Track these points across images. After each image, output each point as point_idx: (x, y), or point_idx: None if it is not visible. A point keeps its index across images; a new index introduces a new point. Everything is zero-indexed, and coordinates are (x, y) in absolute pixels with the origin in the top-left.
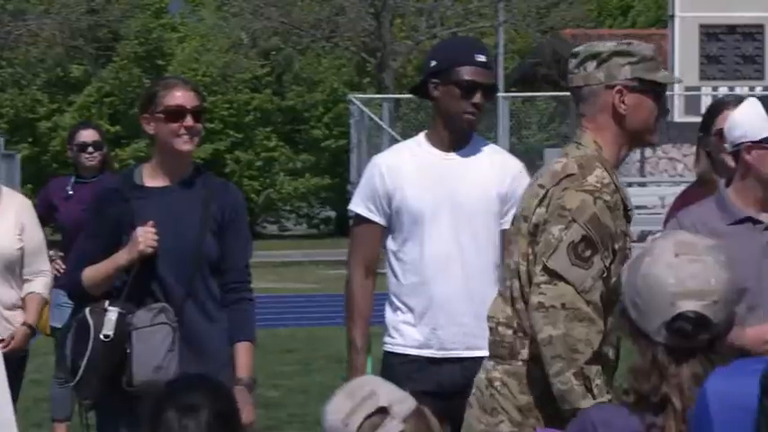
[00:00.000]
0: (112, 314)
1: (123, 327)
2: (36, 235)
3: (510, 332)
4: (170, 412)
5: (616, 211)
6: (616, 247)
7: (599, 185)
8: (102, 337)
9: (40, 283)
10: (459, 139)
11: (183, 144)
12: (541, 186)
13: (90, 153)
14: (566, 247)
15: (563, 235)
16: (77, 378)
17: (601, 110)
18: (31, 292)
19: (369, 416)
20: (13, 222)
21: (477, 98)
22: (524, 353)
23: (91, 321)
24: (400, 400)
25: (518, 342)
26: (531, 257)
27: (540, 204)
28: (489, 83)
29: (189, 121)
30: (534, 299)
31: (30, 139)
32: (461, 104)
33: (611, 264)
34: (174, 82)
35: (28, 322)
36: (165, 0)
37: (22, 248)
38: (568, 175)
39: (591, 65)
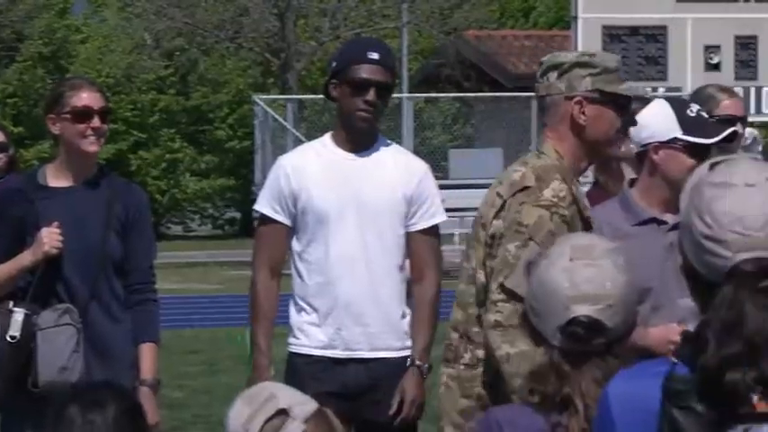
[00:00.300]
0: (18, 315)
1: (29, 327)
2: None
3: (456, 336)
4: (73, 408)
5: (575, 224)
6: None
7: (555, 200)
8: (8, 338)
9: None
10: (361, 139)
11: (90, 145)
12: (499, 195)
13: None
14: (523, 266)
15: (520, 253)
16: None
17: (561, 120)
18: None
19: (269, 419)
20: None
21: (371, 95)
22: (467, 357)
23: None
24: (300, 402)
25: (462, 346)
26: (488, 270)
27: (497, 216)
28: (382, 80)
29: (96, 122)
30: (491, 317)
31: None
32: (355, 102)
33: None
34: (81, 83)
35: None
36: (70, 0)
37: None
38: (525, 188)
39: (553, 75)
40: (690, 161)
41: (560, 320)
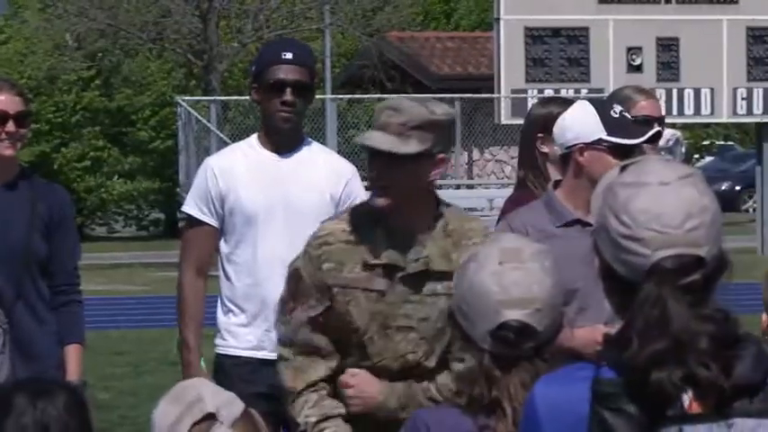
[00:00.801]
0: None
1: None
2: None
3: None
4: (20, 398)
5: (321, 263)
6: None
7: (311, 239)
8: None
9: None
10: (285, 140)
11: (5, 149)
12: None
13: None
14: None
15: None
16: None
17: None
18: None
19: (196, 422)
20: None
21: (287, 95)
22: None
23: None
24: (227, 404)
25: None
26: None
27: None
28: (299, 79)
29: (11, 126)
30: None
31: None
32: (274, 104)
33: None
34: (0, 85)
35: None
36: None
37: None
38: None
39: None
40: (615, 162)
41: (490, 325)
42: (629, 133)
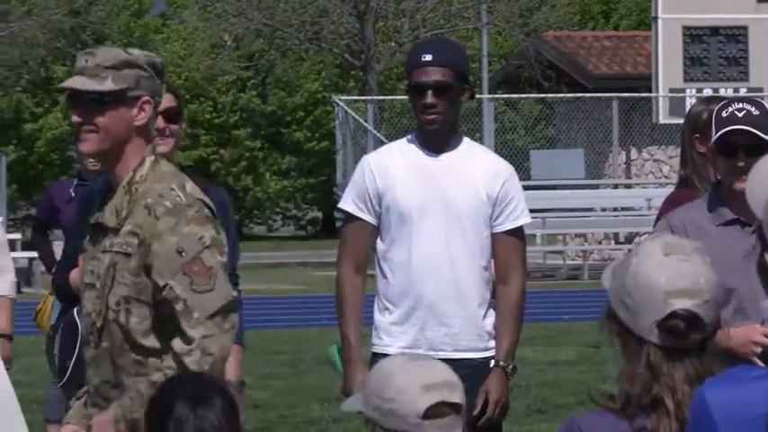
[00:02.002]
0: None
1: None
2: (2, 249)
3: None
4: (180, 405)
5: None
6: None
7: None
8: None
9: (5, 284)
10: (435, 140)
11: (157, 146)
12: None
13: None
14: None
15: None
16: (65, 378)
17: None
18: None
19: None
20: None
21: (428, 98)
22: None
23: (79, 321)
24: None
25: None
26: None
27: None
28: (438, 79)
29: (160, 122)
30: None
31: (15, 141)
32: (417, 106)
33: None
34: None
35: (5, 332)
36: (144, 1)
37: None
38: None
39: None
40: None
41: (658, 315)
42: None
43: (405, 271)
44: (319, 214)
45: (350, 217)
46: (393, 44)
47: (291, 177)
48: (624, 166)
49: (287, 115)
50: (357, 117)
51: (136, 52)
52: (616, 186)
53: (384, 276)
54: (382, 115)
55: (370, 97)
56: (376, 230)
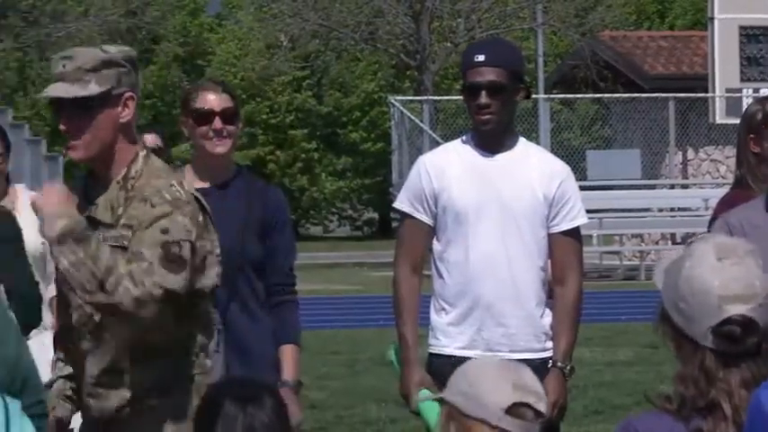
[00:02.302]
0: None
1: None
2: None
3: None
4: (229, 404)
5: None
6: None
7: None
8: None
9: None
10: (491, 140)
11: (213, 146)
12: None
13: None
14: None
15: None
16: None
17: None
18: None
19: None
20: (33, 218)
21: (482, 98)
22: None
23: None
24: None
25: None
26: None
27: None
28: (492, 79)
29: (217, 123)
30: None
31: None
32: (471, 107)
33: None
34: (207, 85)
35: None
36: (199, 0)
37: (45, 243)
38: None
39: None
40: None
41: (713, 321)
42: None
43: (461, 271)
44: (375, 215)
45: (406, 217)
46: (448, 44)
47: (347, 178)
48: (681, 166)
49: (343, 116)
50: (413, 117)
51: (112, 49)
52: (673, 187)
53: (440, 277)
54: (438, 115)
55: (425, 97)
56: (432, 231)
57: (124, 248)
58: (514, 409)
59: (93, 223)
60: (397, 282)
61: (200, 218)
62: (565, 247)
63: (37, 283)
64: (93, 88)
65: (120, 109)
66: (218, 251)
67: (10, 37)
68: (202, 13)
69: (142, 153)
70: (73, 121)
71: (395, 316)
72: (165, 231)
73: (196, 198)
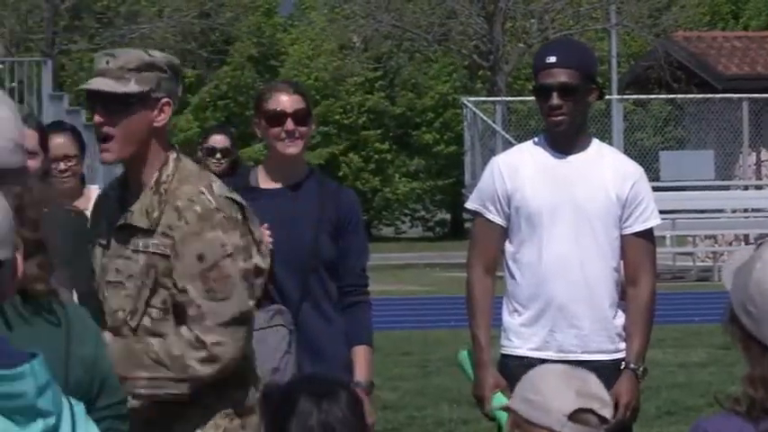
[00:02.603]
0: None
1: None
2: None
3: None
4: (304, 400)
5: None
6: None
7: None
8: None
9: None
10: (564, 141)
11: (285, 147)
12: None
13: (217, 159)
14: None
15: None
16: None
17: None
18: None
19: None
20: None
21: (554, 99)
22: None
23: None
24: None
25: None
26: None
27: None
28: (564, 81)
29: (289, 124)
30: None
31: None
32: (543, 108)
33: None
34: (279, 86)
35: None
36: (273, 1)
37: None
38: None
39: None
40: None
41: None
42: None
43: (534, 272)
44: (447, 215)
45: (478, 218)
46: (521, 45)
47: (420, 179)
48: (755, 167)
49: (416, 117)
50: (485, 118)
51: (157, 54)
52: (746, 187)
53: (513, 278)
54: (510, 116)
55: (498, 98)
56: (505, 232)
57: (165, 256)
58: (578, 416)
59: (130, 230)
60: (471, 283)
61: (238, 216)
62: (638, 248)
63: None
64: (132, 87)
65: (155, 113)
66: (266, 239)
67: (84, 38)
68: (275, 14)
69: (173, 156)
70: (108, 116)
71: (468, 317)
72: (200, 258)
73: (230, 198)
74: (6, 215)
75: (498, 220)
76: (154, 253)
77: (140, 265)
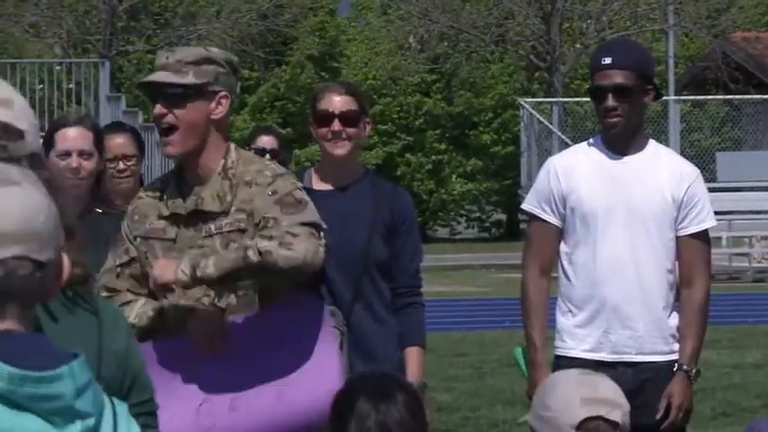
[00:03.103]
0: None
1: None
2: None
3: None
4: (362, 401)
5: (131, 217)
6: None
7: None
8: None
9: None
10: (622, 143)
11: (333, 148)
12: None
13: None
14: None
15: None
16: None
17: None
18: None
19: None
20: None
21: (609, 101)
22: None
23: None
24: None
25: None
26: None
27: None
28: (619, 82)
29: (336, 125)
30: None
31: None
32: (599, 109)
33: (130, 260)
34: (330, 87)
35: None
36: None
37: None
38: None
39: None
40: None
41: None
42: None
43: (589, 273)
44: (503, 216)
45: (534, 218)
46: (578, 46)
47: (477, 180)
48: None
49: (473, 116)
50: (542, 119)
51: (215, 50)
52: None
53: (567, 279)
54: (567, 117)
55: (555, 99)
56: (560, 232)
57: (242, 231)
58: (586, 425)
59: (201, 216)
60: (526, 284)
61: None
62: (693, 249)
63: None
64: (190, 78)
65: (213, 105)
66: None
67: (142, 39)
68: (336, 15)
69: (232, 145)
70: (168, 108)
71: (522, 318)
72: (273, 192)
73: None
74: (50, 215)
75: (553, 220)
76: (230, 231)
77: (217, 248)
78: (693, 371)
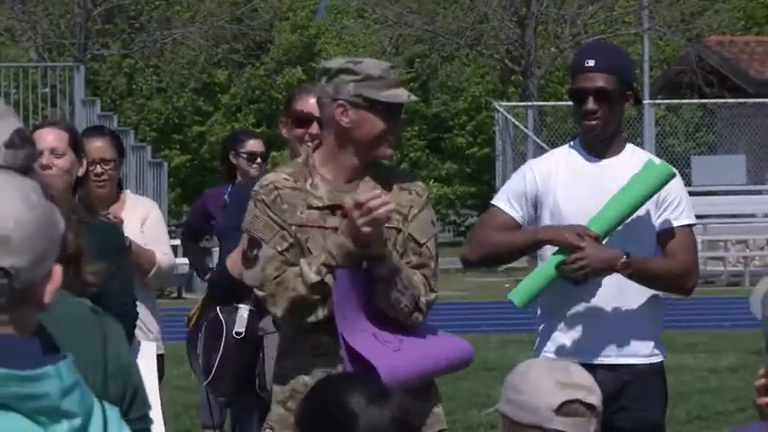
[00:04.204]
0: (244, 312)
1: (254, 325)
2: (156, 226)
3: None
4: (359, 403)
5: (279, 206)
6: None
7: (257, 188)
8: (234, 334)
9: (158, 252)
10: (600, 146)
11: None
12: None
13: (258, 163)
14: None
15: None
16: (211, 376)
17: (328, 121)
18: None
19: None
20: (138, 220)
21: (589, 104)
22: None
23: (222, 319)
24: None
25: None
26: None
27: None
28: (600, 85)
29: (314, 128)
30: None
31: (177, 146)
32: (578, 112)
33: (289, 247)
34: (311, 88)
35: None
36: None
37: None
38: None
39: (322, 80)
40: None
41: None
42: None
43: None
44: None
45: (493, 207)
46: (553, 49)
47: (453, 185)
48: None
49: (449, 119)
50: (517, 123)
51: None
52: None
53: None
54: (542, 121)
55: (530, 103)
56: (514, 227)
57: (398, 230)
58: (565, 408)
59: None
60: (485, 244)
61: None
62: (675, 241)
63: (134, 300)
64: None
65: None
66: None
67: (117, 43)
68: (313, 19)
69: None
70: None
71: (508, 247)
72: (433, 223)
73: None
74: (27, 223)
75: (515, 215)
76: (388, 227)
77: None
78: (628, 260)
